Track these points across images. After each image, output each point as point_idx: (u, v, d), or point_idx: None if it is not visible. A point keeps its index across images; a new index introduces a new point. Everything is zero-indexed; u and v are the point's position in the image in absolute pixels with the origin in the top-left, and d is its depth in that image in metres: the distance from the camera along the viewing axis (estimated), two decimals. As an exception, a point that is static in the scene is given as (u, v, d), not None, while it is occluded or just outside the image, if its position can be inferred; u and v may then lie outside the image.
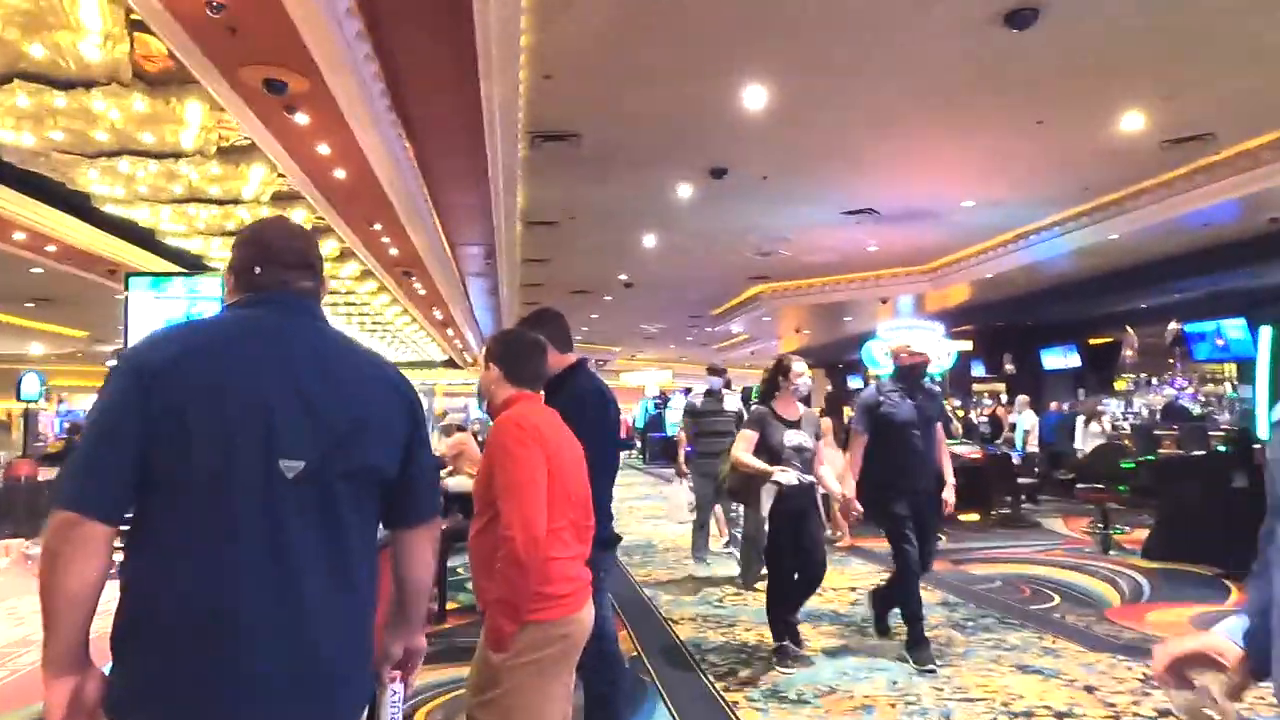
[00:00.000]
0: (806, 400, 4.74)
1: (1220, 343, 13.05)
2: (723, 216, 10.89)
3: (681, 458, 7.26)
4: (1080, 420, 10.96)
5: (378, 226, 8.53)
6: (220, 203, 8.01)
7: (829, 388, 25.01)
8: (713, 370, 7.21)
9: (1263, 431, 5.95)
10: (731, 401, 6.95)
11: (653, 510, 10.80)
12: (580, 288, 16.72)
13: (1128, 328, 16.27)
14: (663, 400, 24.27)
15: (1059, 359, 17.24)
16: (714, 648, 4.72)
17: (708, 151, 8.44)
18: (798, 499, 4.23)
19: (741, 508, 6.07)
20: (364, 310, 17.11)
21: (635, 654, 4.62)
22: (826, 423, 6.49)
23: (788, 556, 4.32)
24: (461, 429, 8.53)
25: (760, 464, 4.21)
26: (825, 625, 5.13)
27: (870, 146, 8.35)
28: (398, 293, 13.64)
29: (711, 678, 4.21)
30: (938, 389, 4.77)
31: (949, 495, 4.52)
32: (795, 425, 4.36)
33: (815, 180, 9.46)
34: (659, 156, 8.54)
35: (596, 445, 2.75)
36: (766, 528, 4.31)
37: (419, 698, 3.79)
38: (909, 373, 4.61)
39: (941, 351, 11.21)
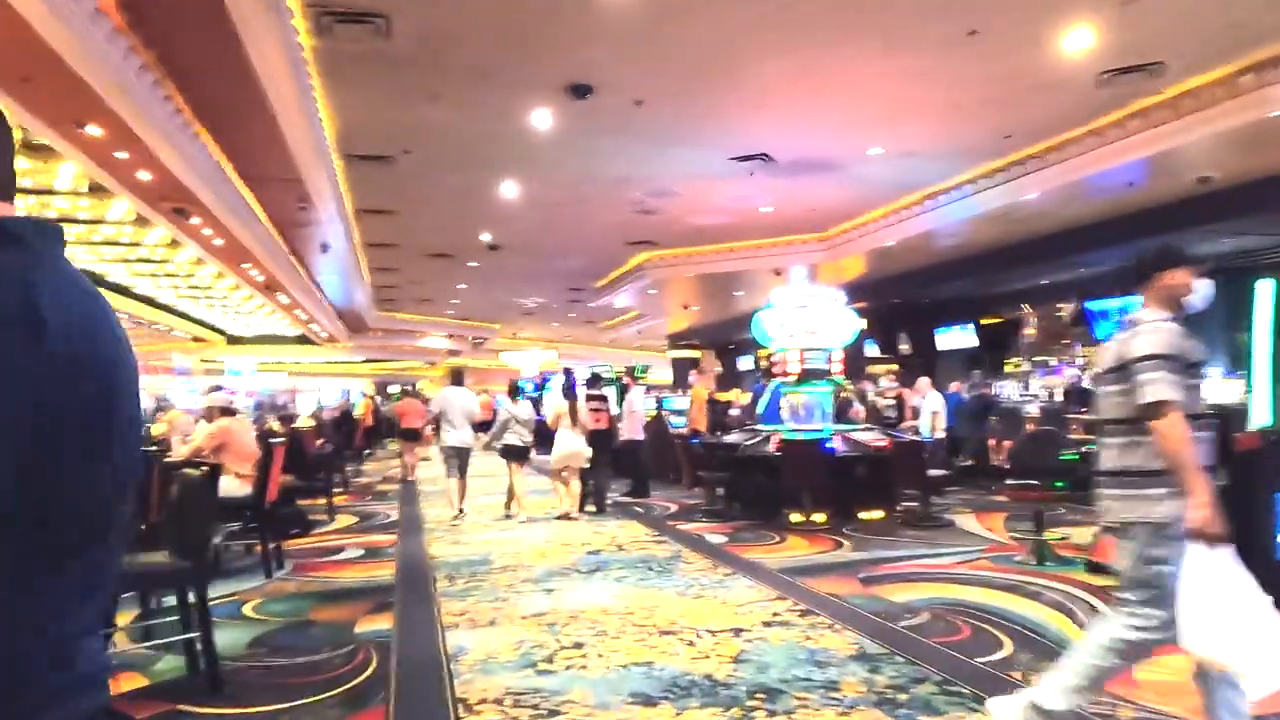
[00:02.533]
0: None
1: (1126, 320, 12.31)
2: (592, 155, 9.08)
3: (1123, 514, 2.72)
4: None
5: (96, 131, 6.13)
6: None
7: (719, 369, 23.86)
8: (1186, 258, 2.86)
9: (1264, 415, 4.66)
10: None
11: (529, 507, 8.85)
12: (439, 250, 14.65)
13: (1024, 305, 15.65)
14: (541, 381, 22.42)
15: (954, 338, 16.57)
16: (516, 765, 2.92)
17: (565, 57, 6.60)
18: None
19: None
20: (170, 272, 14.29)
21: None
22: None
23: None
24: (230, 412, 6.43)
25: None
26: (693, 708, 3.43)
27: (767, 61, 6.72)
28: (191, 243, 11.00)
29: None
30: None
31: None
32: None
33: (699, 110, 7.78)
34: (502, 60, 6.63)
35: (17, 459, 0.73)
36: None
37: None
38: None
39: (846, 326, 9.82)
